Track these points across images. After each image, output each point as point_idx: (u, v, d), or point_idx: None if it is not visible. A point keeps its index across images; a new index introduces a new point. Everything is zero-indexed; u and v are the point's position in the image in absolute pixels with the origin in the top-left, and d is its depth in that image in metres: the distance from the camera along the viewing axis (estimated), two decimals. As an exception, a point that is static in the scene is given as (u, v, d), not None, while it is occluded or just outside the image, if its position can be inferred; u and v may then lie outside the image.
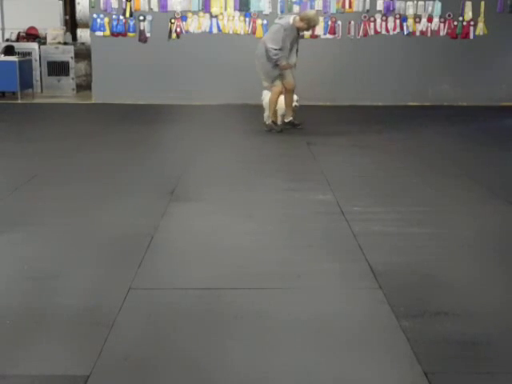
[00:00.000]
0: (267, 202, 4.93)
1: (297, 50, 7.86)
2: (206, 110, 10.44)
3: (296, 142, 7.39)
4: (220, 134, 7.99)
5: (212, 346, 2.65)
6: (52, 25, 12.86)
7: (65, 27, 13.37)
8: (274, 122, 8.02)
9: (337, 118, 9.62)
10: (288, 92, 7.90)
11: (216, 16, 11.29)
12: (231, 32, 11.23)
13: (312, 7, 11.29)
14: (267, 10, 11.20)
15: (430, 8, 11.38)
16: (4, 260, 3.65)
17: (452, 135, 8.20)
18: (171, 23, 11.33)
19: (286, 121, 8.02)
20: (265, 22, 11.14)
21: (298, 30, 7.60)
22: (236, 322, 2.87)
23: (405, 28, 11.43)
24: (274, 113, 7.99)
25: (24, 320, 2.87)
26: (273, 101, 7.87)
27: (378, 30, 11.43)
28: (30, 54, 12.17)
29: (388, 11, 11.38)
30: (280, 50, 7.50)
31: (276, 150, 6.88)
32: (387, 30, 11.44)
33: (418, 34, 11.44)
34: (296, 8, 11.29)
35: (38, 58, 12.23)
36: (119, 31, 11.38)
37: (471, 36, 11.48)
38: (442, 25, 11.42)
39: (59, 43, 12.46)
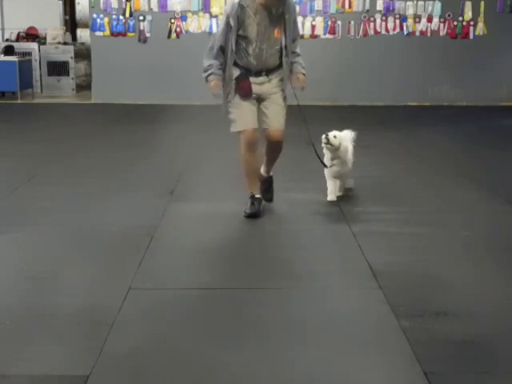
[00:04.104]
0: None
1: (285, 47, 4.39)
2: (205, 110, 10.41)
3: (295, 143, 7.38)
4: (220, 134, 7.97)
5: (212, 345, 2.64)
6: (52, 25, 12.86)
7: (65, 27, 13.37)
8: (253, 197, 4.50)
9: (337, 118, 9.60)
10: (268, 142, 4.67)
11: (216, 16, 11.29)
12: (231, 32, 11.22)
13: (312, 7, 11.31)
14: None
15: (429, 8, 11.38)
16: (4, 260, 3.65)
17: (452, 135, 8.20)
18: (171, 23, 11.33)
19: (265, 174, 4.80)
20: (265, 21, 11.15)
21: (267, 6, 4.26)
22: (236, 322, 2.87)
23: (405, 28, 11.43)
24: (252, 180, 4.57)
25: (24, 320, 2.86)
26: (242, 159, 4.61)
27: (378, 30, 11.43)
28: (29, 54, 12.17)
29: (388, 11, 11.38)
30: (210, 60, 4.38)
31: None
32: (387, 30, 11.44)
33: (417, 33, 11.44)
34: (296, 8, 11.27)
35: (37, 58, 12.23)
36: (119, 31, 11.39)
37: (471, 36, 11.49)
38: (441, 25, 11.43)
39: (59, 43, 12.47)
